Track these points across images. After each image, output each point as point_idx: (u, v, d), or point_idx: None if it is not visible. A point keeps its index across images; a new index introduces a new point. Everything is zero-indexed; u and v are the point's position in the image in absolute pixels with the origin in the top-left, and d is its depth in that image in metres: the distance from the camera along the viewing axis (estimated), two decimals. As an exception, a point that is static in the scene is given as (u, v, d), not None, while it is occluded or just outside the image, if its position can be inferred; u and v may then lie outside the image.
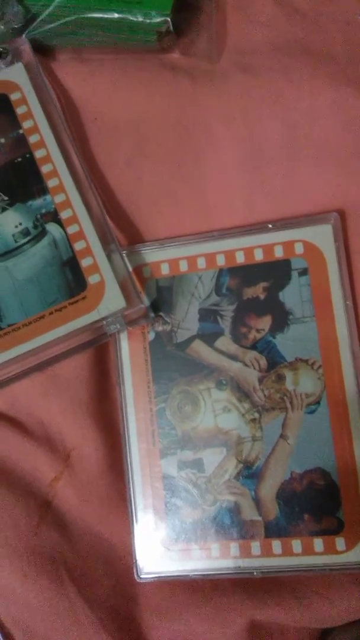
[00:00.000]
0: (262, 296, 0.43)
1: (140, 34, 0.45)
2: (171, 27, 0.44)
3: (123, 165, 0.46)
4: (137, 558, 0.42)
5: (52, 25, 0.45)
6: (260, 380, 0.42)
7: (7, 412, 0.45)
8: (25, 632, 0.42)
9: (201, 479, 0.42)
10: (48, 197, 0.43)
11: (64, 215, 0.42)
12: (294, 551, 0.40)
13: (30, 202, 0.43)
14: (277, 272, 0.43)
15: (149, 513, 0.43)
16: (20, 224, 0.43)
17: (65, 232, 0.42)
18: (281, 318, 0.42)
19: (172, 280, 0.44)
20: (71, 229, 0.42)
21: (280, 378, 0.42)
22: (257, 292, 0.43)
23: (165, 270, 0.44)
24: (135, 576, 0.42)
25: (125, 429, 0.43)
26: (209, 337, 0.43)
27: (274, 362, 0.42)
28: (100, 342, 0.43)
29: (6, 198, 0.43)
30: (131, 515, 0.43)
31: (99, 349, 0.45)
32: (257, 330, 0.43)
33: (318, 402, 0.41)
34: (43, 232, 0.42)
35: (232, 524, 0.41)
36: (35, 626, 0.42)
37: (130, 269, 0.44)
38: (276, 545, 0.41)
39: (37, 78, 0.45)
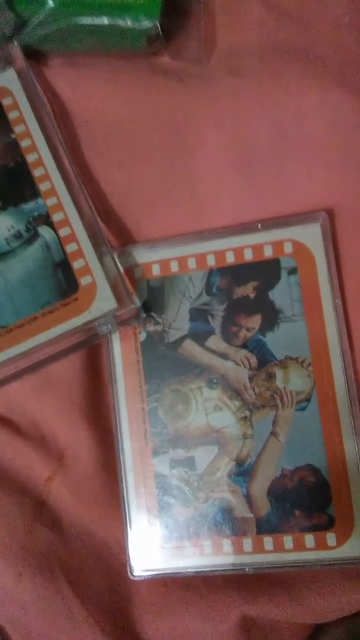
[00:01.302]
0: (252, 295, 0.43)
1: (130, 38, 0.46)
2: (160, 32, 0.44)
3: (114, 167, 0.46)
4: (131, 556, 0.43)
5: (44, 31, 0.46)
6: (251, 379, 0.43)
7: (1, 413, 0.45)
8: (20, 630, 0.42)
9: (193, 477, 0.43)
10: (40, 201, 0.43)
11: (56, 218, 0.43)
12: (285, 547, 0.41)
13: (22, 206, 0.43)
14: (266, 271, 0.43)
15: (142, 511, 0.43)
16: (13, 227, 0.43)
17: (57, 234, 0.43)
18: (271, 317, 0.43)
19: (163, 280, 0.45)
20: (63, 232, 0.43)
21: (271, 376, 0.42)
22: (247, 291, 0.43)
23: (156, 270, 0.45)
24: (129, 574, 0.43)
25: (118, 429, 0.44)
26: (199, 337, 0.44)
27: (264, 360, 0.43)
28: (92, 342, 0.43)
29: (-1, 202, 0.44)
30: (124, 513, 0.43)
31: (91, 349, 0.45)
32: (248, 329, 0.43)
33: (308, 400, 0.42)
34: (35, 235, 0.43)
35: (224, 521, 0.42)
36: (30, 624, 0.42)
37: (122, 270, 0.44)
38: (268, 541, 0.41)
39: (28, 83, 0.45)
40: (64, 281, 0.42)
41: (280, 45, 0.46)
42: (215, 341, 0.43)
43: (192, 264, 0.44)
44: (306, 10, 0.47)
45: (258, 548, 0.41)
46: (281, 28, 0.47)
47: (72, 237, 0.42)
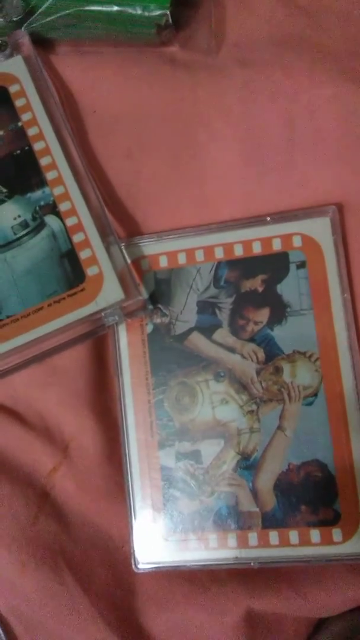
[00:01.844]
0: (260, 289, 0.43)
1: (139, 27, 0.45)
2: (170, 21, 0.44)
3: (122, 157, 0.46)
4: (135, 548, 0.43)
5: (51, 18, 0.45)
6: (258, 373, 0.43)
7: (6, 403, 0.45)
8: (23, 621, 0.42)
9: (199, 470, 0.42)
10: (47, 190, 0.43)
11: (63, 207, 0.42)
12: (291, 542, 0.41)
13: (29, 195, 0.43)
14: (275, 264, 0.43)
15: (147, 504, 0.43)
16: (19, 216, 0.43)
17: (64, 224, 0.42)
18: (279, 310, 0.43)
19: (170, 272, 0.44)
20: (70, 221, 0.42)
21: (278, 370, 0.42)
22: (255, 284, 0.43)
23: (163, 262, 0.44)
24: (133, 566, 0.43)
25: (124, 421, 0.44)
26: (207, 330, 0.43)
27: (271, 354, 0.42)
28: (98, 333, 0.43)
29: (5, 190, 0.43)
30: (129, 505, 0.43)
31: (97, 340, 0.45)
32: (255, 323, 0.43)
33: (315, 394, 0.42)
34: (42, 224, 0.42)
35: (230, 515, 0.42)
36: (33, 615, 0.42)
37: (129, 261, 0.44)
38: (273, 536, 0.41)
39: (36, 71, 0.45)
40: (70, 271, 0.42)
41: (290, 38, 0.46)
42: (223, 334, 0.43)
43: (200, 256, 0.44)
44: (317, 3, 0.47)
45: (263, 542, 0.41)
46: (292, 20, 0.46)
47: (79, 227, 0.42)
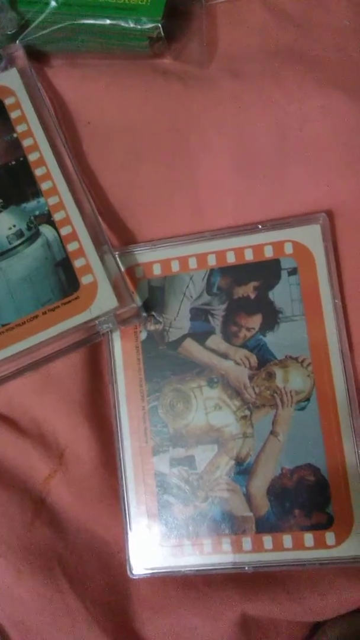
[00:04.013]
0: (252, 295, 0.44)
1: (132, 39, 0.46)
2: (162, 33, 0.45)
3: (116, 168, 0.47)
4: (130, 554, 0.43)
5: (46, 31, 0.46)
6: (251, 378, 0.43)
7: (1, 411, 0.45)
8: (19, 628, 0.42)
9: (193, 476, 0.43)
10: (41, 200, 0.43)
11: (57, 217, 0.43)
12: (284, 546, 0.41)
13: (24, 205, 0.44)
14: (267, 271, 0.44)
15: (141, 510, 0.43)
16: (14, 225, 0.43)
17: (59, 233, 0.43)
18: (271, 317, 0.43)
19: (164, 280, 0.45)
20: (64, 231, 0.43)
21: (271, 376, 0.43)
22: (248, 291, 0.44)
23: (157, 270, 0.45)
24: (129, 572, 0.43)
25: (118, 427, 0.44)
26: (200, 336, 0.44)
27: (264, 360, 0.43)
28: (93, 341, 0.43)
29: (0, 200, 0.44)
30: (124, 512, 0.43)
31: (92, 348, 0.45)
32: (248, 329, 0.43)
33: (308, 399, 0.42)
34: (37, 234, 0.43)
35: (224, 520, 0.42)
36: (29, 622, 0.42)
37: (123, 269, 0.45)
38: (267, 540, 0.41)
39: (31, 83, 0.46)
40: (65, 280, 0.42)
41: (281, 49, 0.47)
42: (216, 340, 0.44)
43: (193, 263, 0.44)
44: (308, 14, 0.47)
45: (257, 547, 0.41)
46: (283, 32, 0.47)
47: (74, 236, 0.43)
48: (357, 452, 0.41)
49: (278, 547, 0.41)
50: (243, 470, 0.42)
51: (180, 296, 0.44)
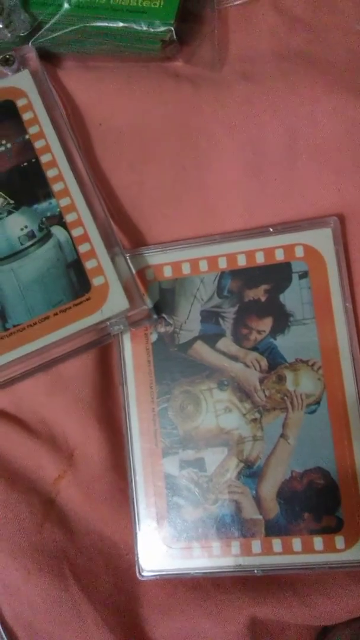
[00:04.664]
0: (263, 298, 0.44)
1: (144, 42, 0.46)
2: (174, 36, 0.45)
3: (127, 170, 0.47)
4: (139, 556, 0.43)
5: (58, 33, 0.46)
6: (261, 381, 0.43)
7: (11, 411, 0.45)
8: (28, 628, 0.42)
9: (203, 478, 0.43)
10: (53, 201, 0.44)
11: (69, 218, 0.43)
12: (294, 549, 0.41)
13: (35, 206, 0.44)
14: (278, 274, 0.44)
15: (151, 512, 0.43)
16: (26, 226, 0.43)
17: (70, 235, 0.43)
18: (282, 320, 0.43)
19: (174, 282, 0.45)
20: (76, 232, 0.43)
21: (281, 379, 0.43)
22: (258, 294, 0.44)
23: (168, 272, 0.45)
24: (137, 574, 0.43)
25: (128, 429, 0.44)
26: (210, 339, 0.44)
27: (274, 363, 0.43)
28: (103, 342, 0.44)
29: (12, 202, 0.44)
30: (133, 513, 0.43)
31: (102, 349, 0.45)
32: (258, 332, 0.43)
33: (318, 403, 0.42)
34: (48, 235, 0.43)
35: (233, 523, 0.42)
36: (38, 623, 0.42)
37: (134, 271, 0.45)
38: (276, 543, 0.41)
39: (43, 85, 0.46)
40: (76, 281, 0.42)
41: (292, 52, 0.47)
42: (226, 343, 0.44)
43: (203, 266, 0.45)
44: (318, 17, 0.48)
45: (267, 550, 0.41)
46: (294, 35, 0.47)
47: (85, 238, 0.43)
48: (367, 455, 0.41)
49: (287, 550, 0.41)
50: (253, 473, 0.42)
51: (191, 298, 0.44)
